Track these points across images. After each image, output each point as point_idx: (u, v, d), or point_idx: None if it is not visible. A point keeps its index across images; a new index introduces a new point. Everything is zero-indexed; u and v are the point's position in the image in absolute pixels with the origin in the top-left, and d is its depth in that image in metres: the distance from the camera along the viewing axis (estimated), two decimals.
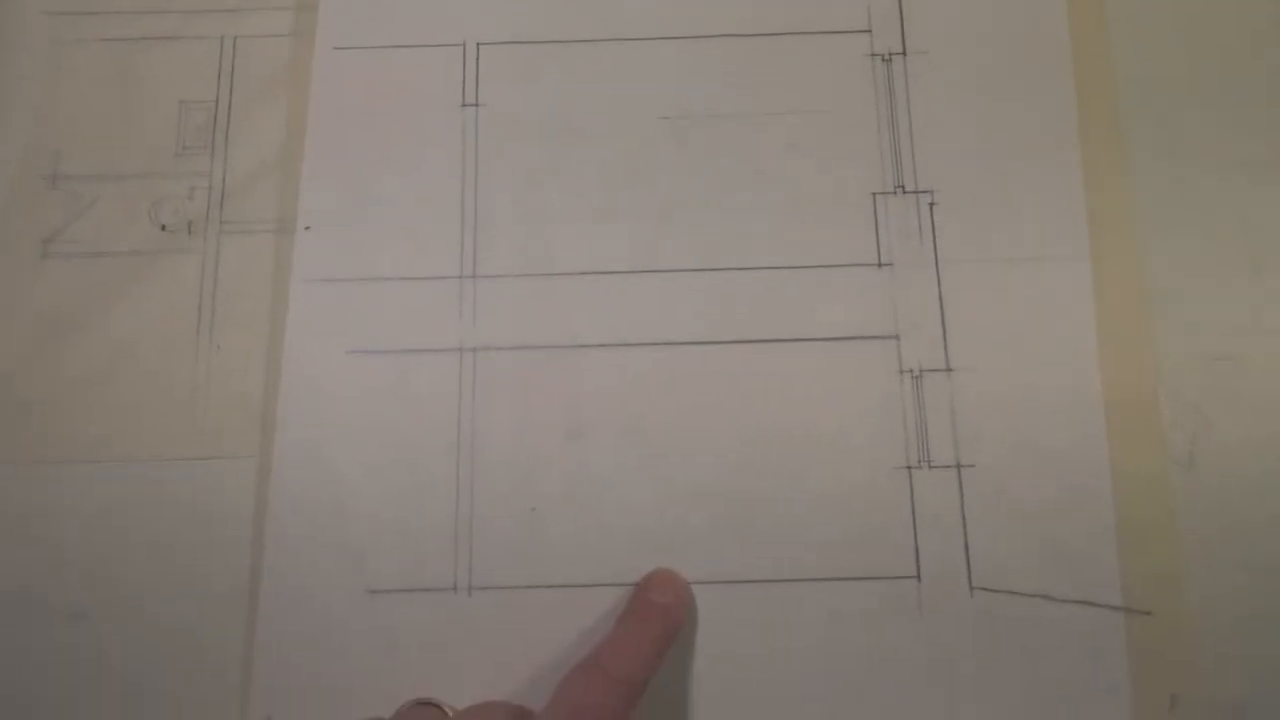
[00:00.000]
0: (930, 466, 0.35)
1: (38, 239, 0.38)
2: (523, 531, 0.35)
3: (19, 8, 0.41)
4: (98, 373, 0.37)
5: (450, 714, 0.31)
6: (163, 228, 0.38)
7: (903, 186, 0.38)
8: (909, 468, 0.35)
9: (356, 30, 0.40)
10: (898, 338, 0.36)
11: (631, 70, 0.39)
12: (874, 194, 0.38)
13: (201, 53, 0.40)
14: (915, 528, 0.34)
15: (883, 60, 0.39)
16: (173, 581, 0.35)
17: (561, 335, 0.37)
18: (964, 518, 0.34)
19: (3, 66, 0.40)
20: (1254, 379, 0.36)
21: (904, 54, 0.39)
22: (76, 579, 0.35)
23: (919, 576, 0.34)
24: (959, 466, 0.35)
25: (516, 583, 0.34)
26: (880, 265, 0.37)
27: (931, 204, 0.37)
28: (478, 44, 0.40)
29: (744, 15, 0.40)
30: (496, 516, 0.35)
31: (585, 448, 0.36)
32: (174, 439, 0.36)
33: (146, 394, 0.36)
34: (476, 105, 0.39)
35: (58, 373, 0.37)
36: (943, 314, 0.36)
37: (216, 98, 0.40)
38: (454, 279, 0.37)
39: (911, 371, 0.36)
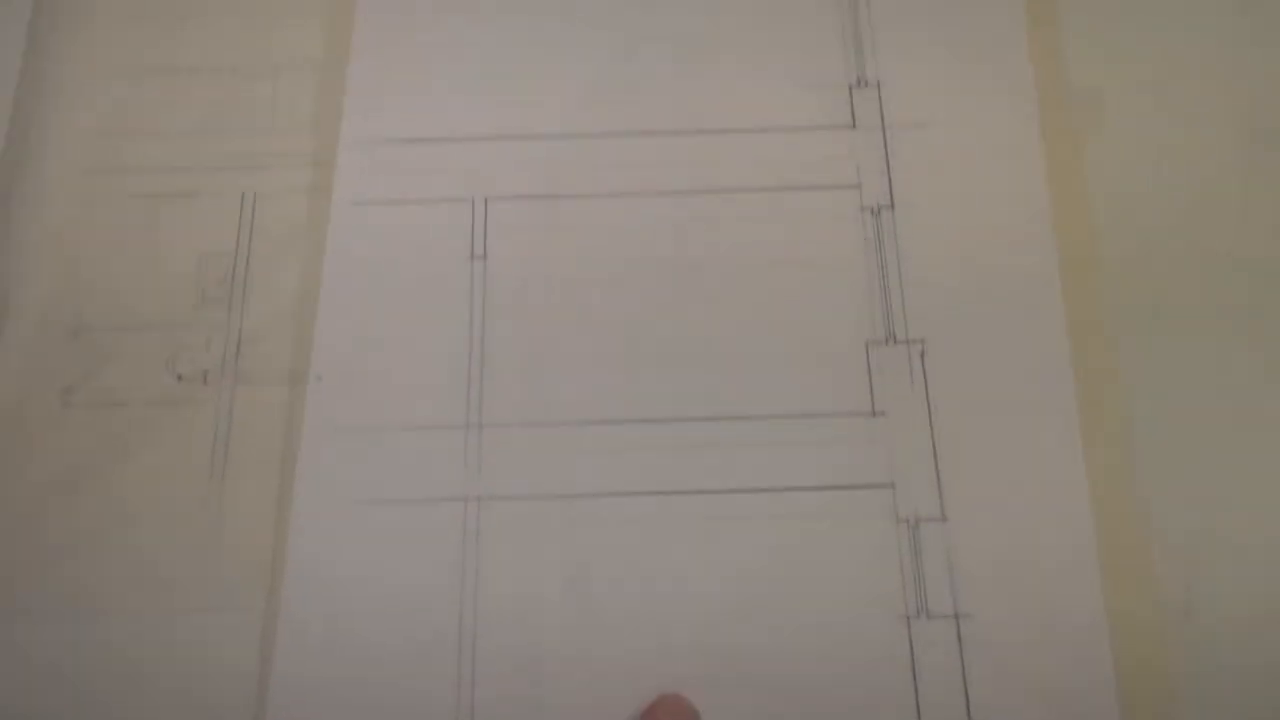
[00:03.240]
0: (929, 617, 0.35)
1: (58, 389, 0.39)
2: (524, 686, 0.35)
3: (50, 164, 0.42)
4: (108, 524, 0.37)
5: None
6: (179, 378, 0.39)
7: (894, 336, 0.39)
8: (907, 618, 0.35)
9: (372, 185, 0.42)
10: (893, 486, 0.37)
11: (635, 224, 0.41)
12: (866, 343, 0.39)
13: (223, 207, 0.42)
14: (915, 679, 0.34)
15: (871, 213, 0.41)
16: None
17: (563, 484, 0.37)
18: (964, 669, 0.34)
19: (32, 221, 0.41)
20: (1245, 528, 0.36)
21: (892, 207, 0.40)
22: None
23: None
24: (958, 617, 0.35)
25: None
26: (874, 414, 0.38)
27: (923, 353, 0.38)
28: (486, 199, 0.41)
29: (740, 171, 0.41)
30: (498, 671, 0.35)
31: (586, 598, 0.36)
32: (181, 591, 0.36)
33: (156, 545, 0.37)
34: (485, 258, 0.40)
35: (69, 524, 0.37)
36: (936, 463, 0.37)
37: (236, 250, 0.41)
38: (460, 428, 0.38)
39: (907, 521, 0.36)
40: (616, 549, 0.36)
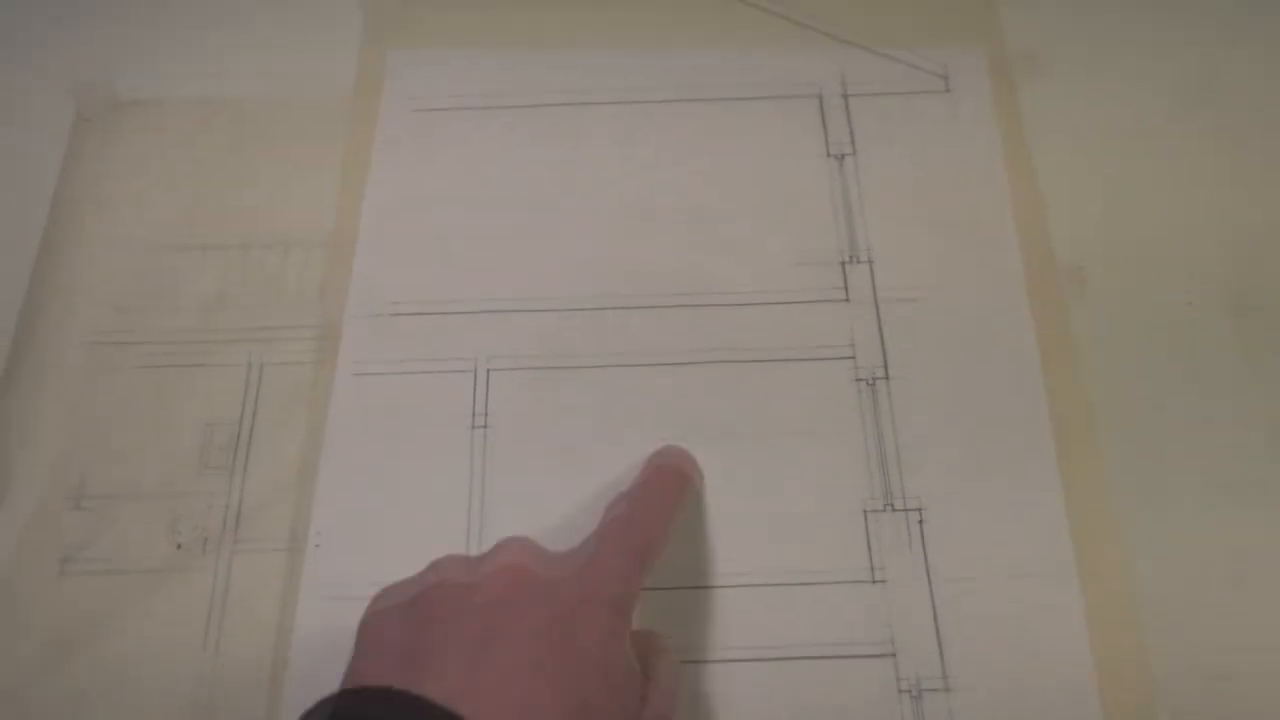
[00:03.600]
0: None
1: (57, 557, 0.39)
2: None
3: (61, 337, 0.43)
4: (102, 691, 0.37)
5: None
6: (178, 546, 0.39)
7: (892, 504, 0.39)
8: None
9: (375, 356, 0.42)
10: (895, 655, 0.36)
11: (635, 393, 0.41)
12: (865, 511, 0.39)
13: (229, 377, 0.42)
14: None
15: (867, 384, 0.41)
16: None
17: None
18: None
19: (39, 394, 0.42)
20: (1248, 696, 0.35)
21: (886, 378, 0.41)
22: None
23: None
24: None
25: None
26: (874, 581, 0.38)
27: (921, 521, 0.39)
28: (488, 369, 0.42)
29: (737, 342, 0.42)
30: None
31: None
32: None
33: (149, 713, 0.36)
34: (485, 427, 0.41)
35: (64, 690, 0.37)
36: (938, 631, 0.37)
37: (240, 418, 0.41)
38: None
39: (910, 691, 0.36)
40: None
